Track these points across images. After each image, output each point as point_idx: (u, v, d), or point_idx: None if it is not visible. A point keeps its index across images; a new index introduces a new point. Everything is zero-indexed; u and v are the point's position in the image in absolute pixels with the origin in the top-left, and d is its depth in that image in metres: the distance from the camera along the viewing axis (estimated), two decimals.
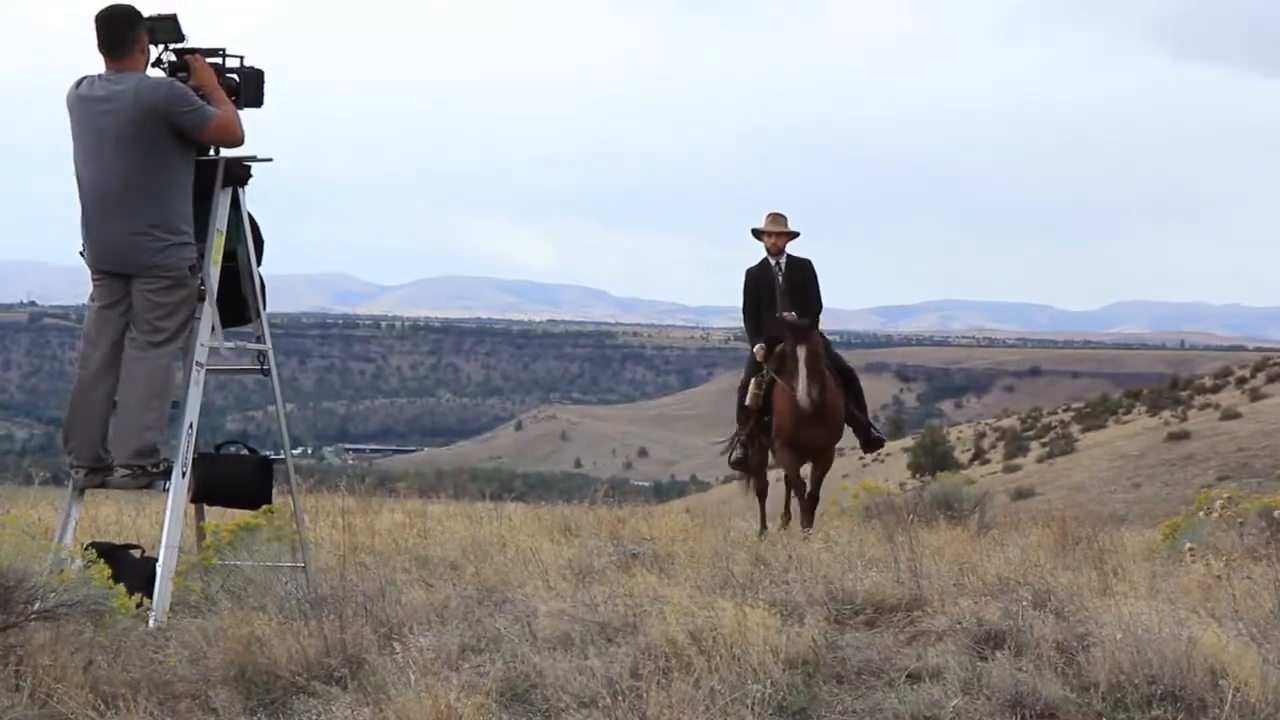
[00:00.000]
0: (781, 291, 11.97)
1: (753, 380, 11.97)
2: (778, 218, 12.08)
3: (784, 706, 5.28)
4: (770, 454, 12.17)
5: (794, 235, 12.07)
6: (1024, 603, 6.48)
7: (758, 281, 12.11)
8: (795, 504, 11.88)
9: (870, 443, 12.25)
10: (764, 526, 11.83)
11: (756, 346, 11.97)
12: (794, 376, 11.34)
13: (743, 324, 12.28)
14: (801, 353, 11.35)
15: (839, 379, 11.85)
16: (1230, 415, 56.78)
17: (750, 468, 12.35)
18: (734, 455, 12.47)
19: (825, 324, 12.17)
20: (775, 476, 12.52)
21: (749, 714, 4.91)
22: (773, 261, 12.07)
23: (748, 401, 11.92)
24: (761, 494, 12.31)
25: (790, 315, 11.71)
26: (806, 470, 11.80)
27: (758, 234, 12.10)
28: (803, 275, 12.08)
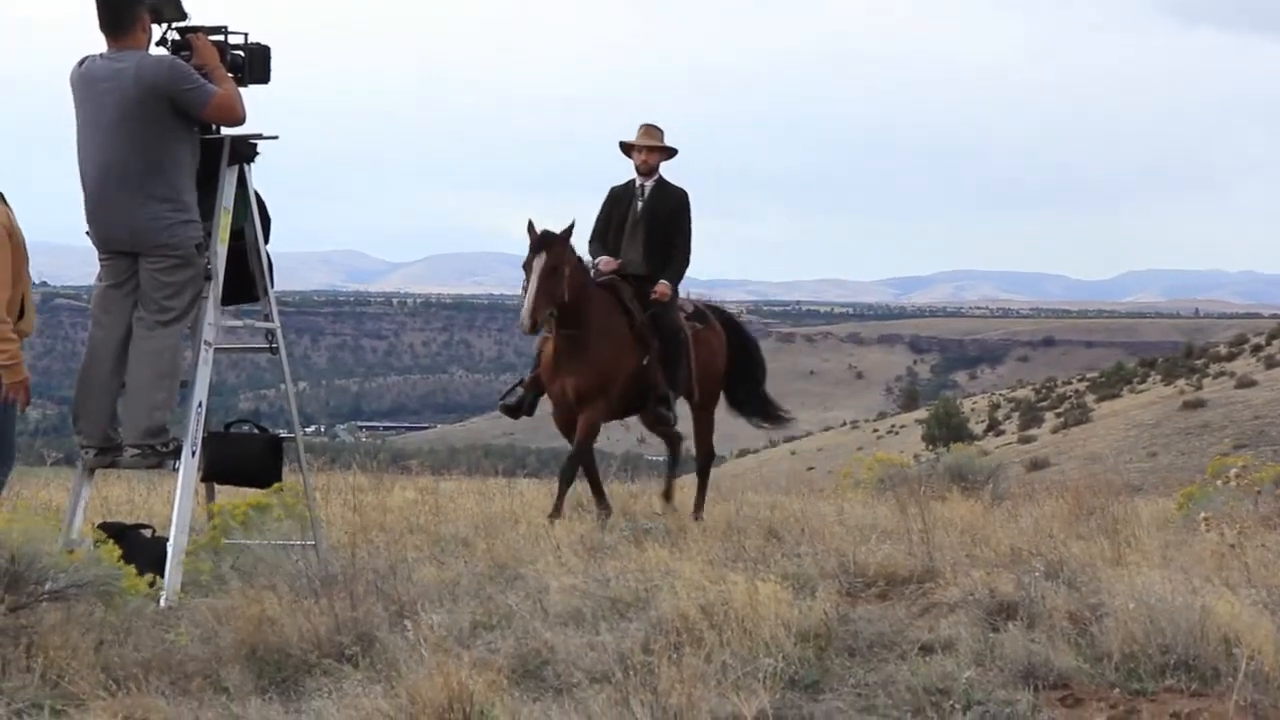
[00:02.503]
0: (635, 219, 9.98)
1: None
2: (650, 130, 10.04)
3: (796, 680, 5.26)
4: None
5: (670, 153, 10.06)
6: (1036, 573, 6.46)
7: (616, 202, 10.10)
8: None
9: (656, 417, 10.18)
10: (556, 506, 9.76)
11: (601, 258, 9.96)
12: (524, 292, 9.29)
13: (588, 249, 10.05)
14: (538, 263, 9.27)
15: (645, 336, 9.81)
16: (1246, 383, 56.66)
17: (521, 414, 10.18)
18: (508, 398, 10.20)
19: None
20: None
21: (760, 688, 4.89)
22: (638, 182, 10.06)
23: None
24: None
25: (608, 261, 9.83)
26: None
27: (626, 150, 10.07)
28: (670, 207, 10.02)
